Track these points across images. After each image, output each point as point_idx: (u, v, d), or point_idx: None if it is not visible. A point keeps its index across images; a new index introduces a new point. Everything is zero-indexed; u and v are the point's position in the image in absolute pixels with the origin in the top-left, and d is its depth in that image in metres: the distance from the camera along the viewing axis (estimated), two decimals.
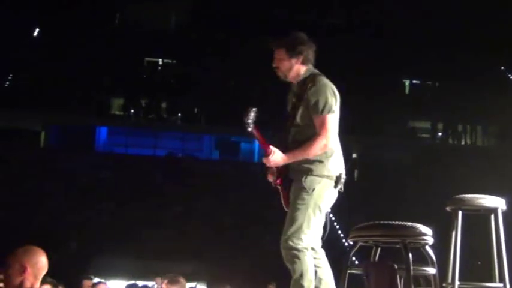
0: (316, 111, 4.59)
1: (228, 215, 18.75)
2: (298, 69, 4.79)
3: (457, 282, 4.42)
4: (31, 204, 18.47)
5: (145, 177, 20.66)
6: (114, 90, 25.08)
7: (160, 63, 27.63)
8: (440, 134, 26.56)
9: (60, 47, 23.60)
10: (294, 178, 4.69)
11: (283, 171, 4.76)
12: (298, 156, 4.61)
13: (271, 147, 4.63)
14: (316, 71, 4.81)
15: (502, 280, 4.59)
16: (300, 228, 4.51)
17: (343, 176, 4.64)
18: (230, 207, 19.19)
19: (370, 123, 23.56)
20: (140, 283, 13.00)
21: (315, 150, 4.55)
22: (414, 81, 28.59)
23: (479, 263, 12.37)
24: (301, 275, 4.41)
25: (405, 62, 25.73)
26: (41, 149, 24.48)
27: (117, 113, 25.82)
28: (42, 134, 25.13)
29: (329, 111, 4.58)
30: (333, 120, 4.61)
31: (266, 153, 4.68)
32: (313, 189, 4.55)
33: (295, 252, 4.49)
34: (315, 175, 4.57)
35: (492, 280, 4.73)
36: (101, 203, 19.19)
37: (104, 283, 9.73)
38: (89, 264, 16.69)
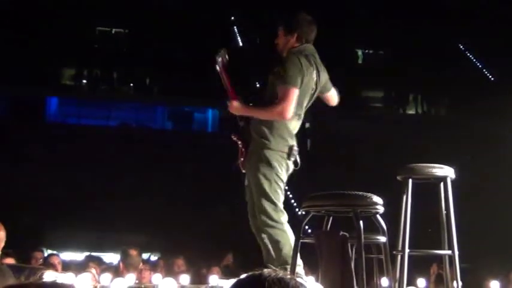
0: (282, 81, 4.74)
1: (181, 186, 18.70)
2: (290, 46, 4.92)
3: (406, 250, 4.51)
4: None
5: (98, 148, 20.43)
6: (65, 60, 24.63)
7: (113, 32, 27.19)
8: (392, 103, 26.79)
9: (8, 17, 23.03)
10: (252, 147, 4.82)
11: (245, 132, 4.88)
12: (256, 112, 4.83)
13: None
14: (307, 46, 4.89)
15: (450, 247, 4.70)
16: (271, 203, 4.65)
17: (295, 148, 4.77)
18: (183, 178, 19.14)
19: None
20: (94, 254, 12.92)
21: (271, 114, 4.72)
22: (367, 51, 28.66)
23: (429, 230, 12.55)
24: (287, 247, 4.54)
25: (358, 32, 25.79)
26: None
27: (68, 83, 25.42)
28: None
29: (293, 85, 4.71)
30: (294, 94, 4.73)
31: (230, 97, 4.84)
32: (272, 163, 4.70)
33: (275, 227, 4.61)
34: (272, 149, 4.72)
35: (441, 247, 4.84)
36: (53, 174, 18.94)
37: (57, 255, 9.60)
38: (43, 237, 16.50)
